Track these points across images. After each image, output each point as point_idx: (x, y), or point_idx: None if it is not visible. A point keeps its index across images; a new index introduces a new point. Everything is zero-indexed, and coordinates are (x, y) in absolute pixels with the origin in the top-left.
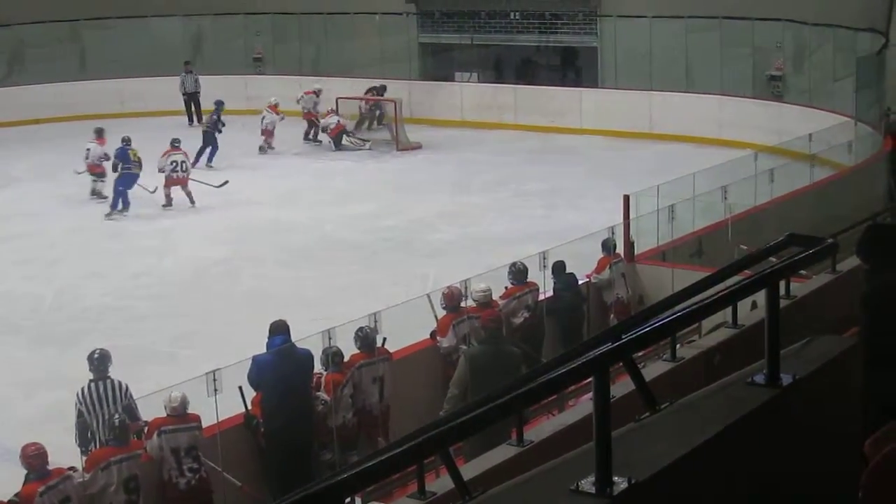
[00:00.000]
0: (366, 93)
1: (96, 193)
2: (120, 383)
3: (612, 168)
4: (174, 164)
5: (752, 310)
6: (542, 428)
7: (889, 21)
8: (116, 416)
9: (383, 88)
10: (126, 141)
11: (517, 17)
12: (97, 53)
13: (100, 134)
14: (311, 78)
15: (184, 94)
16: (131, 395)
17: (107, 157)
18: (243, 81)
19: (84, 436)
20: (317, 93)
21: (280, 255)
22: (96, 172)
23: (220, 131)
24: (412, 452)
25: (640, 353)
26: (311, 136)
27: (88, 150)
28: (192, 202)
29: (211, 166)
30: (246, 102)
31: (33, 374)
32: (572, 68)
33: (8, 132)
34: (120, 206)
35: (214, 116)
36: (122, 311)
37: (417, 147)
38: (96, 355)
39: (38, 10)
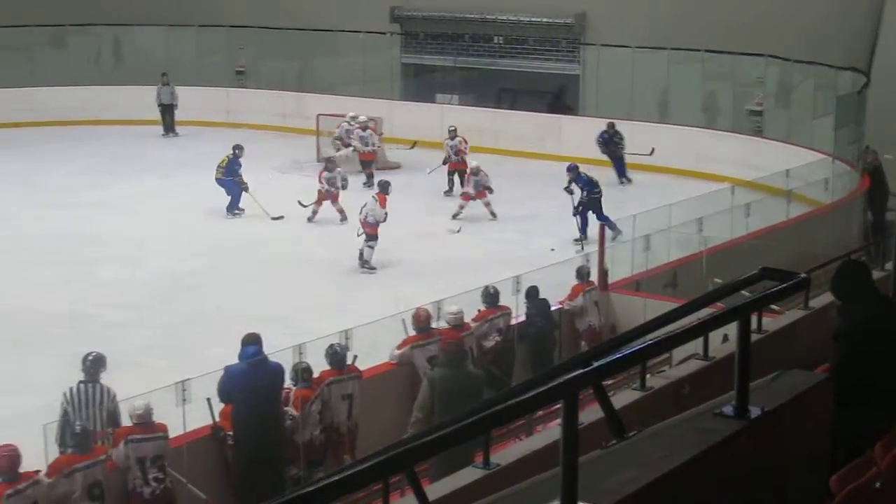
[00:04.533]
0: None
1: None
2: (108, 389)
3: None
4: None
5: (723, 342)
6: (508, 452)
7: (871, 61)
8: (78, 423)
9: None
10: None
11: (500, 42)
12: (79, 59)
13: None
14: (293, 93)
15: (159, 105)
16: (117, 402)
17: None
18: (225, 94)
19: (66, 435)
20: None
21: (254, 270)
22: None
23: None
24: (378, 469)
25: (609, 381)
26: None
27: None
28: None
29: (236, 213)
30: (226, 115)
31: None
32: (553, 95)
33: None
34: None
35: (236, 166)
36: (93, 319)
37: (396, 167)
38: (91, 358)
39: (21, 13)
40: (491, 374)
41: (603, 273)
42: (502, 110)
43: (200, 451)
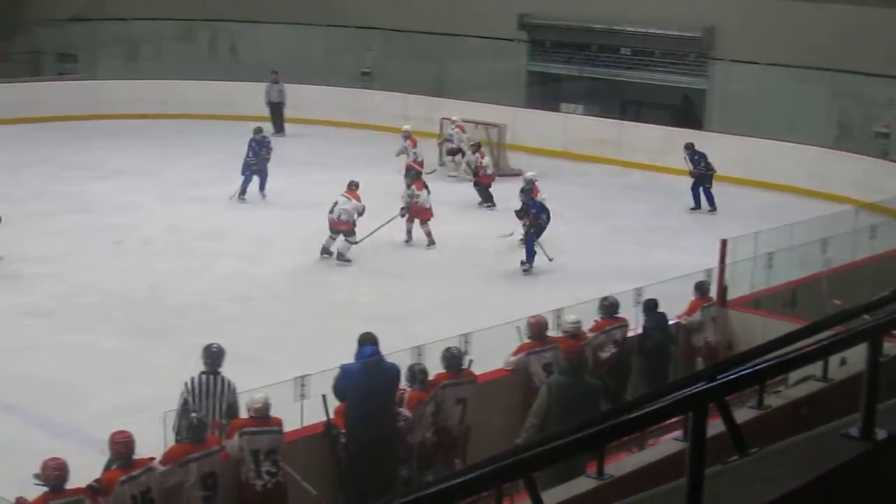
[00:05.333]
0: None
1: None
2: (229, 381)
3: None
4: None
5: (841, 365)
6: (622, 464)
7: None
8: (194, 414)
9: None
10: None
11: (627, 53)
12: (207, 54)
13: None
14: (418, 96)
15: (268, 104)
16: (237, 394)
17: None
18: (351, 94)
19: (183, 425)
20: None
21: (374, 269)
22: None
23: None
24: (496, 475)
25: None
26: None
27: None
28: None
29: (264, 196)
30: (352, 115)
31: (121, 365)
32: (679, 108)
33: (115, 125)
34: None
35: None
36: (212, 311)
37: (518, 174)
38: (213, 349)
39: (154, 7)
40: (606, 385)
41: (722, 289)
42: (626, 122)
43: (314, 447)
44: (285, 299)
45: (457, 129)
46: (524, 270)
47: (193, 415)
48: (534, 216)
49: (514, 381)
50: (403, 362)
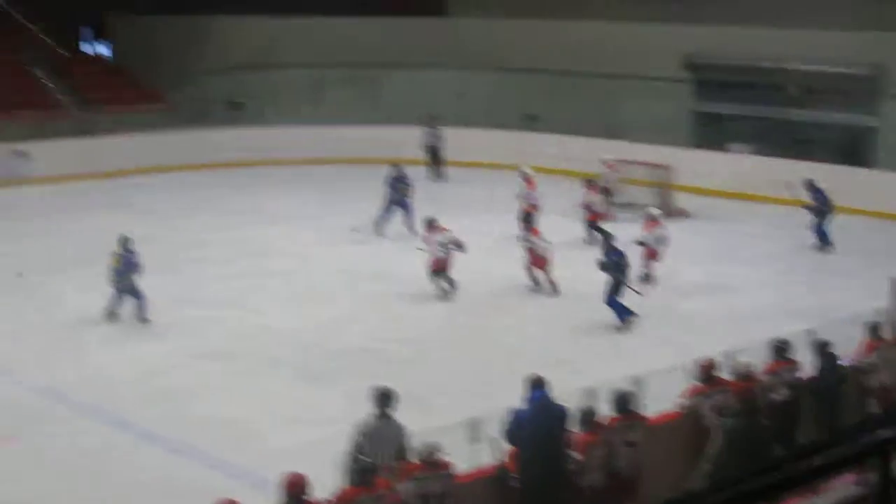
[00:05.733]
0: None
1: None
2: (399, 424)
3: (884, 252)
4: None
5: None
6: None
7: None
8: (363, 457)
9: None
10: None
11: (794, 92)
12: (371, 98)
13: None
14: (583, 138)
15: (426, 148)
16: (407, 437)
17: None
18: (515, 137)
19: (354, 468)
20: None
21: (537, 312)
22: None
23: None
24: None
25: None
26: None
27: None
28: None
29: (413, 232)
30: (516, 158)
31: (291, 407)
32: (849, 147)
33: (280, 170)
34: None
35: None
36: (380, 353)
37: (685, 214)
38: (384, 391)
39: (318, 54)
40: (777, 428)
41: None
42: (796, 160)
43: (485, 491)
44: (454, 341)
45: (608, 169)
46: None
47: (364, 458)
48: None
49: (684, 424)
50: (573, 405)
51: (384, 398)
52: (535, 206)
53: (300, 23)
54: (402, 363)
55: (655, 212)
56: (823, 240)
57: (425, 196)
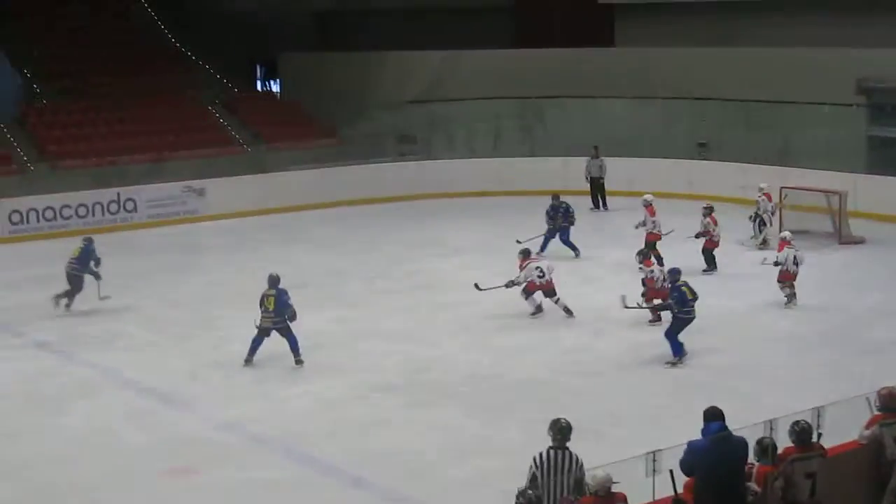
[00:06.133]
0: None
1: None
2: (576, 456)
3: None
4: (539, 270)
5: None
6: None
7: None
8: (530, 491)
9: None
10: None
11: None
12: (541, 131)
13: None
14: (756, 166)
15: (588, 179)
16: (584, 470)
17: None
18: (686, 166)
19: (531, 500)
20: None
21: (715, 343)
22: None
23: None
24: None
25: None
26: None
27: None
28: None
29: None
30: (688, 187)
31: (467, 439)
32: None
33: (454, 203)
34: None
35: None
36: (556, 385)
37: (861, 242)
38: (561, 423)
39: (488, 87)
40: None
41: None
42: None
43: None
44: (628, 373)
45: (763, 197)
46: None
47: (530, 492)
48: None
49: (865, 455)
50: (752, 436)
51: (560, 430)
52: (656, 234)
53: (469, 56)
54: (578, 394)
55: (787, 234)
56: None
57: (587, 226)
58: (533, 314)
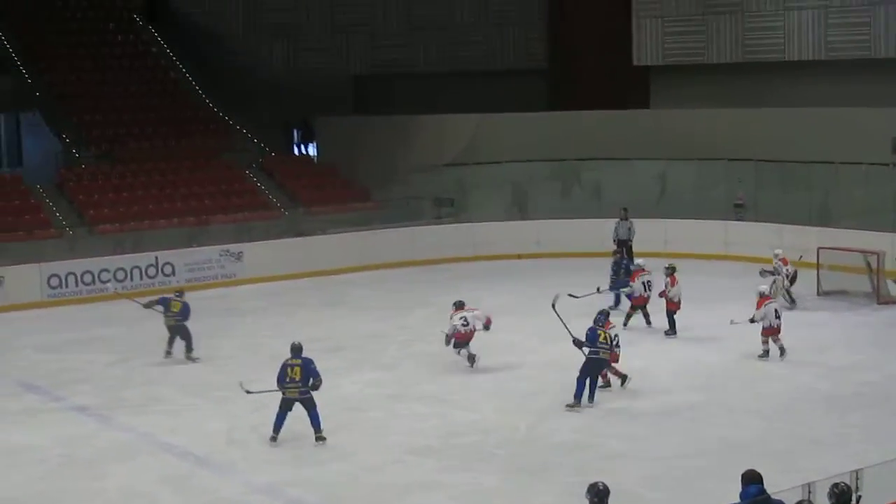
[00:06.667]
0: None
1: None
2: None
3: None
4: (463, 319)
5: None
6: None
7: None
8: None
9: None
10: None
11: None
12: (576, 194)
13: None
14: (792, 226)
15: (616, 241)
16: None
17: None
18: (723, 226)
19: None
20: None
21: (752, 404)
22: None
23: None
24: None
25: None
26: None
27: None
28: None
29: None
30: (724, 247)
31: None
32: None
33: (491, 265)
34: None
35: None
36: (593, 449)
37: None
38: (599, 487)
39: (524, 150)
40: None
41: None
42: None
43: None
44: (667, 435)
45: (779, 262)
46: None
47: None
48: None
49: None
50: (790, 499)
51: (599, 493)
52: (675, 304)
53: (504, 118)
54: (616, 458)
55: (764, 289)
56: None
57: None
58: (470, 364)
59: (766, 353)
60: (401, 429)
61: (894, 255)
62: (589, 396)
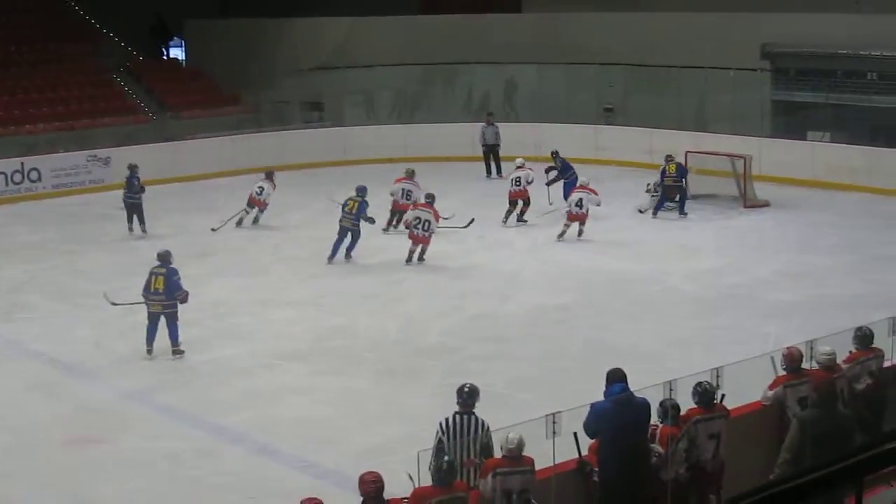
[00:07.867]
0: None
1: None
2: (483, 421)
3: None
4: (417, 220)
5: None
6: (882, 497)
7: None
8: (445, 458)
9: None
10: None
11: (874, 78)
12: (456, 98)
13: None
14: (661, 130)
15: (483, 146)
16: (490, 434)
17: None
18: (593, 131)
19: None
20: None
21: (619, 306)
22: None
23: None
24: None
25: None
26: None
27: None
28: (422, 259)
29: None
30: (594, 152)
31: (373, 406)
32: None
33: (360, 170)
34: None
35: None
36: (462, 351)
37: (765, 205)
38: (466, 389)
39: (393, 54)
40: (861, 417)
41: None
42: (877, 148)
43: (566, 485)
44: (534, 338)
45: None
46: None
47: (445, 458)
48: None
49: (768, 416)
50: (654, 398)
51: (467, 395)
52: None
53: (376, 22)
54: (485, 360)
55: (584, 179)
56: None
57: (481, 193)
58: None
59: (562, 235)
60: (270, 333)
61: (760, 159)
62: None
